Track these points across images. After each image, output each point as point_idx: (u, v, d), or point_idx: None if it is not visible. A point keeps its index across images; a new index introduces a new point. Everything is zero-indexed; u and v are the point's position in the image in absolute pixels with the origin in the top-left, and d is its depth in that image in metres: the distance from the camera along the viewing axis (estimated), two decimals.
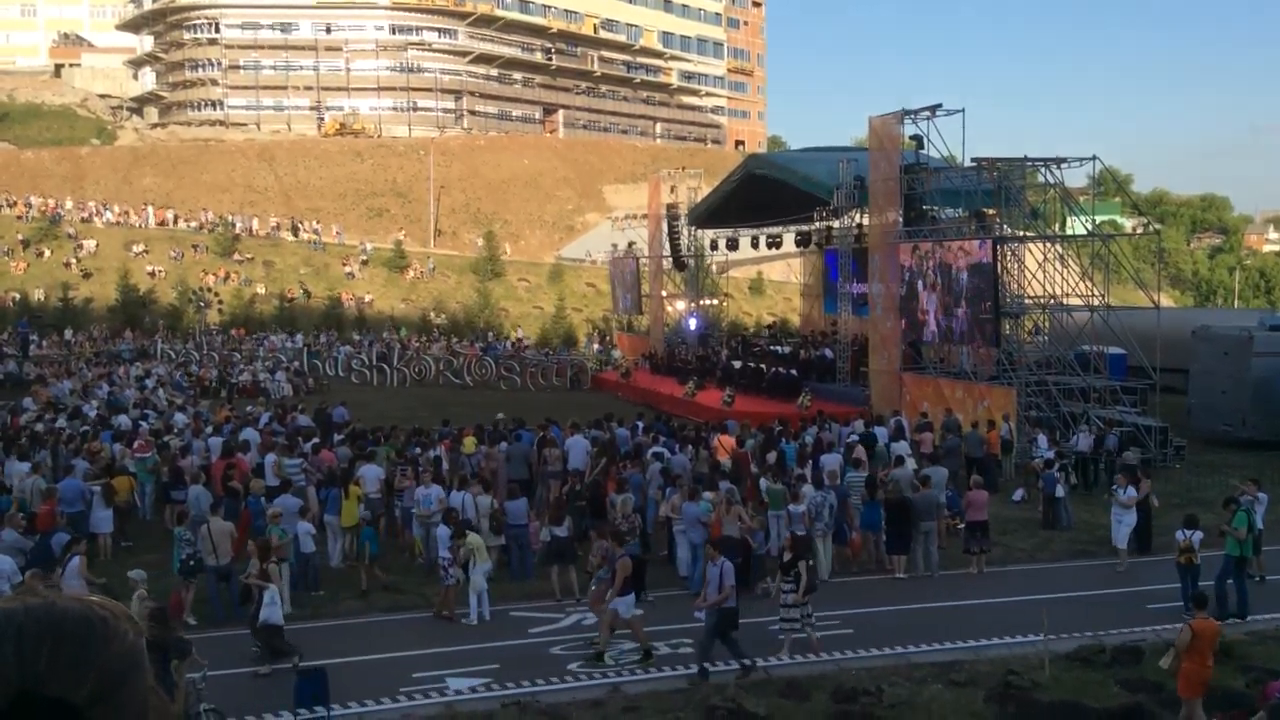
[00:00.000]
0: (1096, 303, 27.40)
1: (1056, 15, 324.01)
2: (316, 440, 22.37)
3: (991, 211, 28.26)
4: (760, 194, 39.00)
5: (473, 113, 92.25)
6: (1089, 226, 30.48)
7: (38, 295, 56.90)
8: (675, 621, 14.73)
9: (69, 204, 67.23)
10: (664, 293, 48.21)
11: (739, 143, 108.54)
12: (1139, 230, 53.50)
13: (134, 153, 79.34)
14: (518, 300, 68.54)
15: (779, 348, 41.02)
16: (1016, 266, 27.34)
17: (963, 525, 17.84)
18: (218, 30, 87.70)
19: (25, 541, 15.33)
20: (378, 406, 33.71)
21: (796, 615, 13.35)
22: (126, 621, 1.24)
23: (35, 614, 1.16)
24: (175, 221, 68.19)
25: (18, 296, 56.43)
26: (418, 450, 21.52)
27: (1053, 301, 27.86)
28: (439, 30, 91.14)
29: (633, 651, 13.55)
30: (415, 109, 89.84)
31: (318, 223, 71.47)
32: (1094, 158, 28.72)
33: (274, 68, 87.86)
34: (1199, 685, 10.23)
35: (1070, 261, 31.06)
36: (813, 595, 13.57)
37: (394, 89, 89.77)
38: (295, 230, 69.99)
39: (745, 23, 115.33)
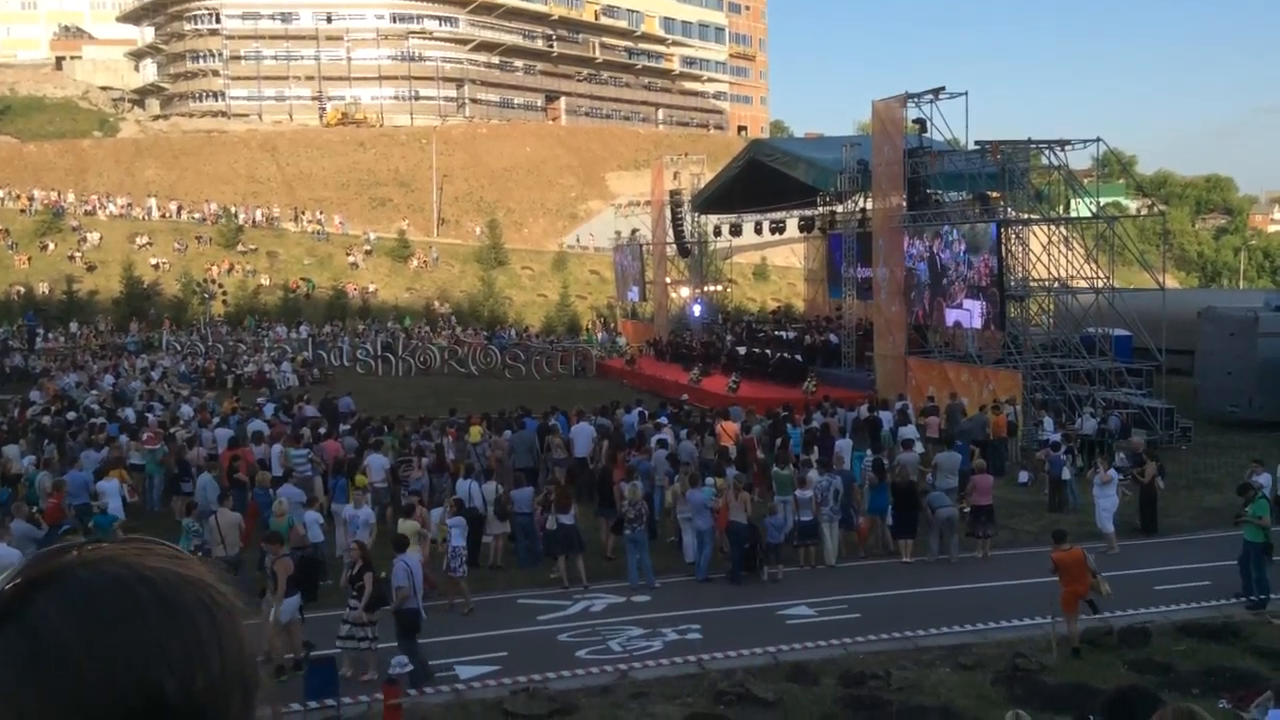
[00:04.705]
0: (1102, 285, 27.34)
1: None
2: (323, 430, 22.42)
3: (996, 194, 28.22)
4: (763, 179, 38.92)
5: (474, 101, 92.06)
6: (1093, 209, 30.37)
7: (42, 289, 57.00)
8: (682, 608, 14.81)
9: (72, 197, 67.17)
10: (668, 279, 48.15)
11: (741, 128, 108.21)
12: (1144, 212, 53.30)
13: (136, 145, 79.25)
14: (521, 288, 68.50)
15: (784, 333, 40.99)
16: (1021, 249, 27.29)
17: (968, 509, 17.84)
18: (218, 21, 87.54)
19: (37, 532, 15.40)
20: (383, 396, 33.75)
21: (360, 633, 12.21)
22: None
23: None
24: (179, 213, 68.13)
25: (23, 290, 56.55)
26: (424, 442, 21.55)
27: (1058, 284, 27.81)
28: (440, 18, 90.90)
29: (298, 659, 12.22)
30: (417, 98, 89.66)
31: (321, 213, 71.41)
32: (1098, 139, 28.68)
33: (275, 58, 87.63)
34: (1074, 601, 12.79)
35: (1075, 244, 30.96)
36: (379, 609, 12.29)
37: (395, 78, 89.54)
38: (297, 219, 69.96)
39: (747, 7, 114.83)
